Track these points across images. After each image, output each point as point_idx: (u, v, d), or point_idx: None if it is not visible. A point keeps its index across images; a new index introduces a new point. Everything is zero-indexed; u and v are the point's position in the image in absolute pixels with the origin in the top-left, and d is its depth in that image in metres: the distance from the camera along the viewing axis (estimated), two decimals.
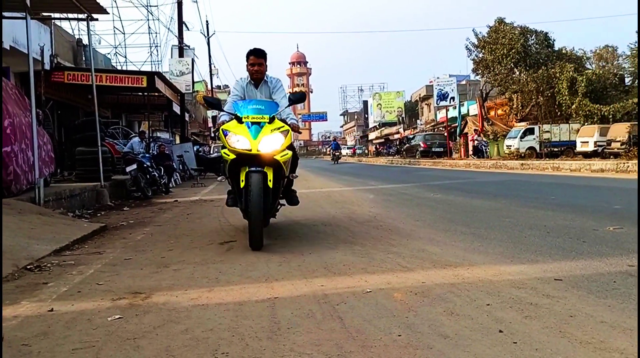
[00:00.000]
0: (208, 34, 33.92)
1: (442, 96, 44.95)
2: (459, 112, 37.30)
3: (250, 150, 4.39)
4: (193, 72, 24.76)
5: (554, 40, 33.43)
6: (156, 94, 18.62)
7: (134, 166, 11.53)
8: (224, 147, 4.69)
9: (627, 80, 32.51)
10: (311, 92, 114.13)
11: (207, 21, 52.06)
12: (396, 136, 59.75)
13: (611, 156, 21.30)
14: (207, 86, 40.58)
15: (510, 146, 28.04)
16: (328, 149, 56.57)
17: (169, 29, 27.52)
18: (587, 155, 23.27)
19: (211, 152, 27.79)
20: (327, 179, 17.06)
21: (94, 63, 12.87)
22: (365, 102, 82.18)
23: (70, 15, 11.32)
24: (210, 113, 38.76)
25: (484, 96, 35.56)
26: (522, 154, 25.95)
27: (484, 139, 31.17)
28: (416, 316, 2.66)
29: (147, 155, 13.02)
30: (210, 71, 37.91)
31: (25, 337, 2.51)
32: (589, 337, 2.29)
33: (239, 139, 4.45)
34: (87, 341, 2.44)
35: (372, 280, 3.43)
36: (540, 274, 3.43)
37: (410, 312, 2.73)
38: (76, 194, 8.75)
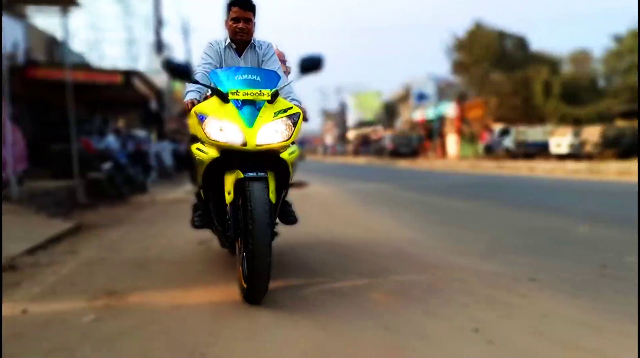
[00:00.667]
0: (186, 31, 33.61)
1: (421, 96, 45.30)
2: (437, 112, 37.68)
3: (245, 144, 2.89)
4: None
5: (530, 43, 34.10)
6: (132, 91, 18.41)
7: (110, 164, 11.38)
8: (195, 140, 3.25)
9: (601, 83, 33.25)
10: None
11: (184, 17, 51.57)
12: (374, 137, 60.03)
13: (584, 158, 21.75)
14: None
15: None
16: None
17: (146, 25, 27.21)
18: (560, 156, 23.71)
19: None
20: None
21: (69, 59, 12.68)
22: (344, 103, 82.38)
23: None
24: None
25: (461, 96, 36.00)
26: (498, 155, 26.34)
27: (500, 135, 27.99)
28: (394, 316, 2.69)
29: (123, 153, 12.86)
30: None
31: None
32: (561, 336, 2.34)
33: (224, 126, 2.93)
34: (62, 343, 2.41)
35: (349, 280, 3.45)
36: (514, 274, 3.49)
37: (388, 313, 2.75)
38: (50, 192, 8.60)
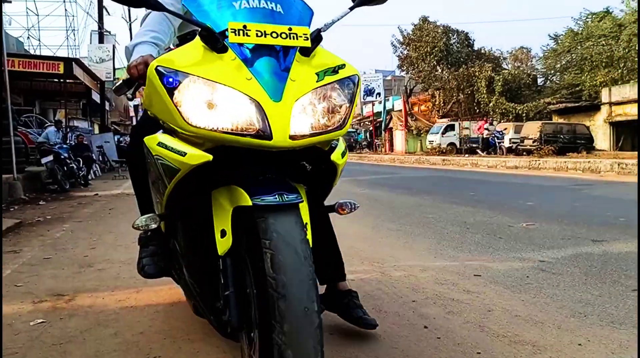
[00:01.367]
0: (130, 19, 32.62)
1: (369, 92, 45.80)
2: (384, 107, 38.23)
3: (269, 136, 1.46)
4: (114, 59, 23.76)
5: (474, 40, 35.19)
6: (74, 81, 17.78)
7: (50, 158, 10.96)
8: (150, 126, 1.76)
9: (540, 80, 34.67)
10: None
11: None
12: None
13: (524, 153, 22.67)
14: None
15: (432, 141, 29.16)
16: None
17: (87, 12, 26.24)
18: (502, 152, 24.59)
19: None
20: None
21: (6, 47, 12.09)
22: None
23: None
24: (133, 103, 36.97)
25: (408, 92, 36.69)
26: (444, 150, 27.06)
27: (497, 129, 26.40)
28: None
29: (64, 146, 12.42)
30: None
31: None
32: (504, 331, 2.46)
33: (221, 97, 1.47)
34: (9, 347, 2.33)
35: None
36: (460, 270, 3.63)
37: None
38: None
